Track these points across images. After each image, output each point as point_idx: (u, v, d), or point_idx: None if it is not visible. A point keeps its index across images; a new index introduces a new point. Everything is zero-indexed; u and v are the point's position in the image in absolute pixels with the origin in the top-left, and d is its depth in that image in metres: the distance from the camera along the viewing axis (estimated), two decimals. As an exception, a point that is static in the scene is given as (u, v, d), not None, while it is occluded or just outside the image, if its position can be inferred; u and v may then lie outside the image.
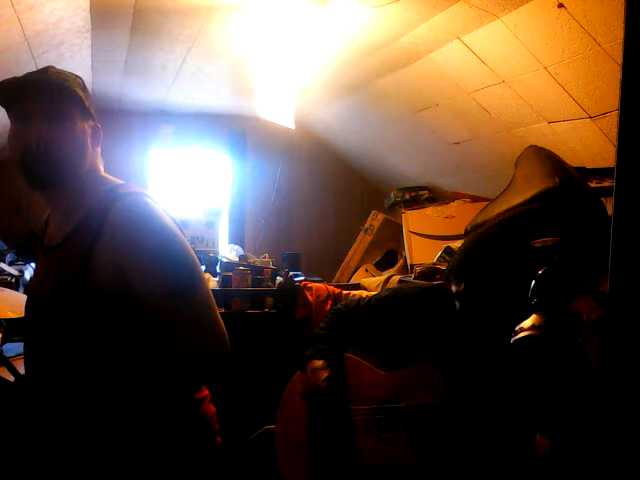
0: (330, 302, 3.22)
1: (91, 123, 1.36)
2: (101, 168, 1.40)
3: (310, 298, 3.24)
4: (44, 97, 1.28)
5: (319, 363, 1.98)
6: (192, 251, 1.30)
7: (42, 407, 1.32)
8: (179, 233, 1.29)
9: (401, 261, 4.12)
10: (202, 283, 1.28)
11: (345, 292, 3.32)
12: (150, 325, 1.27)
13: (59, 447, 1.26)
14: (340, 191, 5.14)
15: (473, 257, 1.89)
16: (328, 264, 4.63)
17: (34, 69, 1.38)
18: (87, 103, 1.34)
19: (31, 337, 1.37)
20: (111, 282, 1.23)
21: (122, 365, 1.27)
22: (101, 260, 1.23)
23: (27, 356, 1.37)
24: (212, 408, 1.43)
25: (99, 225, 1.25)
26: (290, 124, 3.26)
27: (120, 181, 1.38)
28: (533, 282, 1.81)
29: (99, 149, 1.40)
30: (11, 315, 2.52)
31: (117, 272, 1.23)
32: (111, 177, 1.39)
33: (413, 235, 3.78)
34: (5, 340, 2.77)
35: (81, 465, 1.25)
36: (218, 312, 1.28)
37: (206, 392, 1.43)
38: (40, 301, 1.35)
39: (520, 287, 1.86)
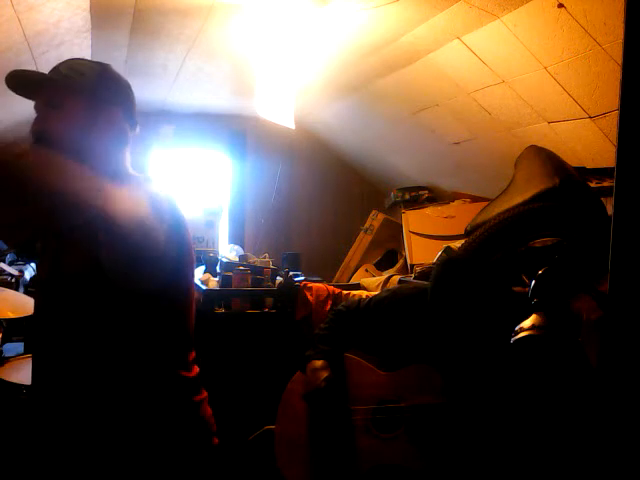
0: (330, 302, 3.22)
1: (105, 112, 1.34)
2: (128, 164, 1.39)
3: (310, 298, 3.23)
4: (46, 89, 1.31)
5: (319, 363, 1.98)
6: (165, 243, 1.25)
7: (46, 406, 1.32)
8: (164, 233, 1.24)
9: (401, 261, 4.12)
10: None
11: (345, 292, 3.32)
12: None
13: (59, 445, 1.26)
14: (340, 191, 5.14)
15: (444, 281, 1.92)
16: (328, 264, 4.62)
17: (34, 69, 1.39)
18: (96, 91, 1.33)
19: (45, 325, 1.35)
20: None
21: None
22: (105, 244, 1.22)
23: (40, 343, 1.36)
24: (209, 410, 1.44)
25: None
26: (290, 124, 3.25)
27: (146, 176, 1.38)
28: (533, 282, 1.81)
29: (128, 144, 1.39)
30: (11, 315, 2.52)
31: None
32: (137, 173, 1.39)
33: (413, 235, 3.78)
34: (5, 340, 2.77)
35: (80, 464, 1.25)
36: None
37: (205, 394, 1.43)
38: (52, 285, 1.33)
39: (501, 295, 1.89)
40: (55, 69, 1.34)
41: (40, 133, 1.30)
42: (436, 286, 1.91)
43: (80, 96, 1.31)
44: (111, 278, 1.21)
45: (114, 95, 1.37)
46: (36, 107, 1.34)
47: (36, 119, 1.32)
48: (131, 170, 1.40)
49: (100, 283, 1.22)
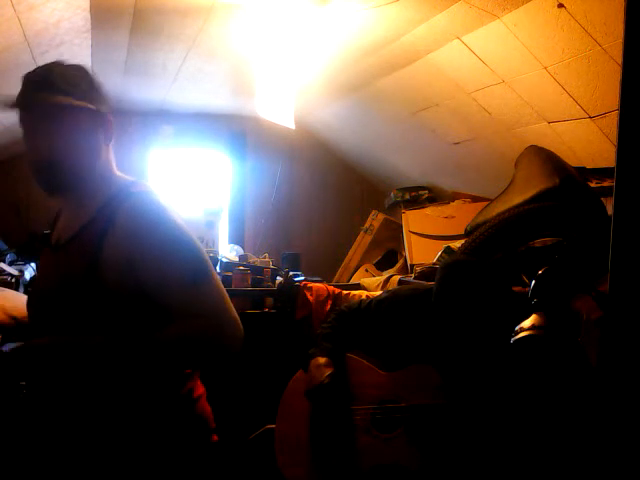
0: (330, 302, 3.22)
1: (99, 119, 1.33)
2: (113, 165, 1.39)
3: (310, 298, 3.23)
4: (46, 104, 1.28)
5: (323, 360, 1.98)
6: (200, 244, 1.32)
7: (41, 404, 1.32)
8: (187, 228, 1.31)
9: (401, 261, 4.12)
10: (214, 273, 1.30)
11: (345, 292, 3.31)
12: (159, 322, 1.26)
13: (56, 443, 1.26)
14: (340, 191, 5.14)
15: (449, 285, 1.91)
16: (328, 264, 4.62)
17: (34, 69, 1.37)
18: (93, 100, 1.31)
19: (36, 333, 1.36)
20: (121, 279, 1.23)
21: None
22: (111, 257, 1.23)
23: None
24: (208, 407, 1.43)
25: (108, 222, 1.26)
26: (290, 124, 3.26)
27: (130, 178, 1.38)
28: (533, 282, 1.81)
29: (111, 145, 1.38)
30: (11, 315, 2.52)
31: (128, 267, 1.23)
32: (122, 175, 1.39)
33: (413, 235, 3.78)
34: (5, 340, 2.76)
35: (76, 461, 1.25)
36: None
37: (202, 390, 1.43)
38: (46, 299, 1.33)
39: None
40: (47, 80, 1.29)
41: (50, 156, 1.28)
42: (442, 288, 1.90)
43: (75, 109, 1.28)
44: (110, 284, 1.22)
45: (103, 101, 1.36)
46: (29, 124, 1.31)
47: (40, 140, 1.29)
48: (116, 172, 1.39)
49: (96, 288, 1.23)
